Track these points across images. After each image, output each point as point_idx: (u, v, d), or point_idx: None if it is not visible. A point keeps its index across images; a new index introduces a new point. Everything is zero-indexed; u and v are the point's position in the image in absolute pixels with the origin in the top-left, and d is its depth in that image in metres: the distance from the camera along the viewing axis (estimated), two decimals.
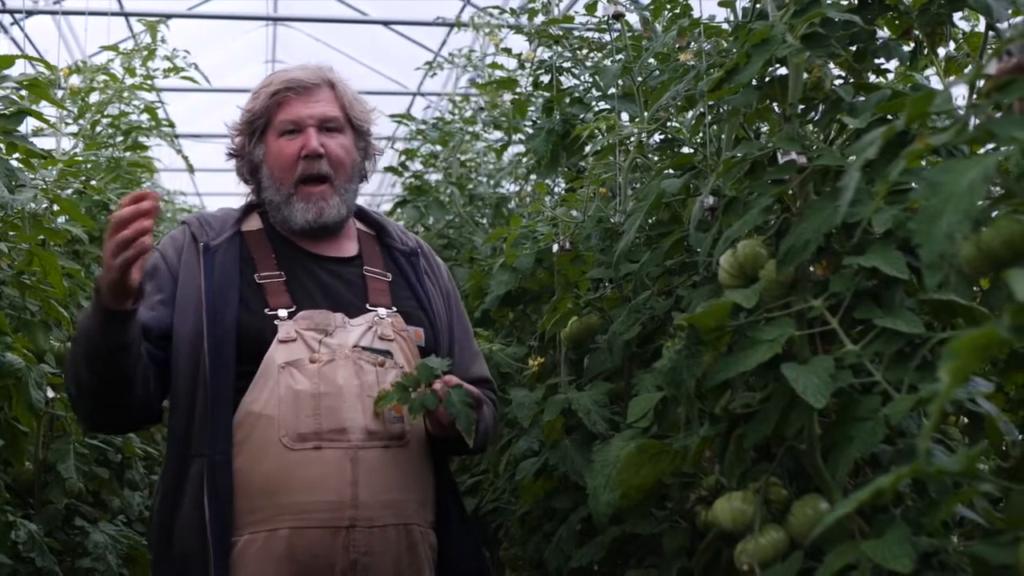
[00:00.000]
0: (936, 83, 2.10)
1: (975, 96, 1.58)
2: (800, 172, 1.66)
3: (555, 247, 2.72)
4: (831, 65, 1.78)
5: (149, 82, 4.61)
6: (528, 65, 3.97)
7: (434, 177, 5.58)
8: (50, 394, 2.95)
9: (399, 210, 5.40)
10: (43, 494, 3.13)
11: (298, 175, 2.29)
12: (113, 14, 6.42)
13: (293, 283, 2.26)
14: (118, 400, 2.14)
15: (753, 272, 1.67)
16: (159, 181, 7.45)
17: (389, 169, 5.94)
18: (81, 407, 2.23)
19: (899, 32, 1.96)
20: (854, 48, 1.84)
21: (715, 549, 1.79)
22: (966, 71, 2.11)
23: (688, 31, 2.45)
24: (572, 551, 2.37)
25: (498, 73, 4.64)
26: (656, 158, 2.57)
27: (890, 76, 2.05)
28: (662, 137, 2.61)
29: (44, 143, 4.28)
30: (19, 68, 2.98)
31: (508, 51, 4.46)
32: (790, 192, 1.69)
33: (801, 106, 1.77)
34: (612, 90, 2.81)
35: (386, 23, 9.65)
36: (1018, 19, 1.66)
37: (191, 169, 5.42)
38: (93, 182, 3.79)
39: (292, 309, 2.21)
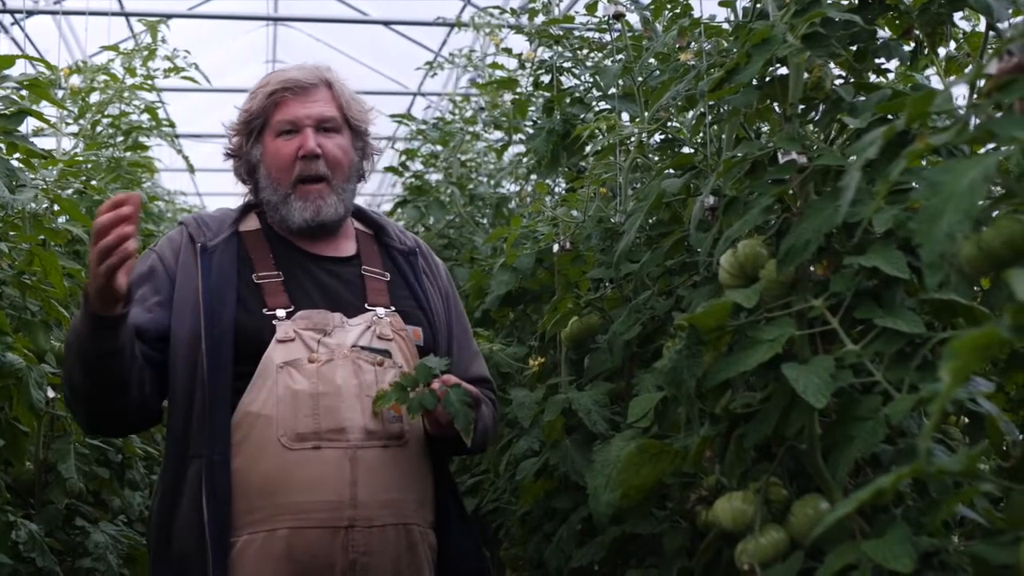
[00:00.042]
0: (936, 83, 2.10)
1: (975, 96, 1.58)
2: (800, 172, 1.66)
3: (555, 247, 2.72)
4: (831, 65, 1.78)
5: (149, 82, 4.61)
6: (528, 65, 3.97)
7: (434, 177, 5.58)
8: (50, 394, 2.95)
9: (399, 210, 5.40)
10: (44, 494, 3.13)
11: (295, 175, 2.29)
12: (113, 14, 6.42)
13: (291, 283, 2.26)
14: (113, 403, 2.14)
15: (753, 272, 1.67)
16: (159, 181, 7.45)
17: (389, 169, 5.95)
18: (77, 410, 2.23)
19: (899, 32, 1.96)
20: (854, 48, 1.84)
21: (715, 549, 1.79)
22: (966, 71, 2.11)
23: (688, 31, 2.45)
24: (572, 551, 2.37)
25: (498, 73, 4.64)
26: (656, 158, 2.57)
27: (890, 76, 2.05)
28: (662, 137, 2.61)
29: (44, 143, 4.29)
30: (19, 68, 2.98)
31: (508, 51, 4.46)
32: (790, 192, 1.68)
33: (801, 106, 1.77)
34: (612, 90, 2.81)
35: (386, 23, 9.65)
36: (1018, 19, 1.66)
37: (191, 169, 5.42)
38: (93, 182, 3.79)
39: (290, 309, 2.21)
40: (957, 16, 2.12)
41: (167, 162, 6.24)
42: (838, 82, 1.80)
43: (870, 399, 1.46)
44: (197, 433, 2.13)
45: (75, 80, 4.42)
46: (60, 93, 4.22)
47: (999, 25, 1.71)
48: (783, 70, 1.76)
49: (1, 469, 3.05)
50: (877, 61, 1.90)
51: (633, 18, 2.87)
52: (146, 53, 4.59)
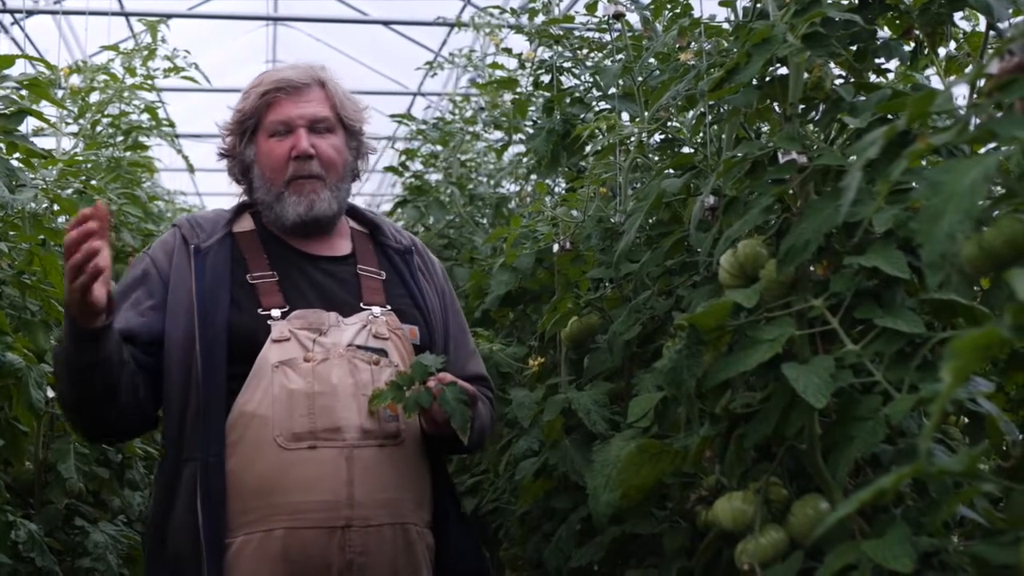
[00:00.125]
0: (936, 83, 2.10)
1: (976, 96, 1.58)
2: (800, 172, 1.66)
3: (555, 247, 2.72)
4: (831, 65, 1.78)
5: (149, 82, 4.62)
6: (528, 65, 3.97)
7: (434, 177, 5.57)
8: (50, 394, 2.94)
9: (399, 210, 5.40)
10: (43, 494, 3.13)
11: (289, 175, 2.28)
12: (113, 14, 6.42)
13: (286, 283, 2.26)
14: (103, 411, 2.14)
15: (753, 272, 1.67)
16: (159, 181, 7.45)
17: (389, 169, 5.94)
18: (70, 418, 2.24)
19: (900, 32, 1.96)
20: (855, 48, 1.84)
21: (715, 549, 1.79)
22: (966, 71, 2.11)
23: (688, 31, 2.45)
24: (572, 551, 2.37)
25: (498, 73, 4.64)
26: (656, 158, 2.57)
27: (890, 76, 2.05)
28: (662, 137, 2.61)
29: (44, 143, 4.28)
30: (19, 68, 2.98)
31: (508, 51, 4.45)
32: (790, 192, 1.68)
33: (801, 106, 1.77)
34: (612, 90, 2.81)
35: (386, 23, 9.65)
36: (1018, 19, 1.66)
37: (191, 169, 5.42)
38: (93, 182, 3.78)
39: (285, 309, 2.20)
40: (957, 16, 2.12)
41: (167, 162, 6.24)
42: (838, 82, 1.80)
43: (870, 399, 1.45)
44: (192, 435, 2.12)
45: (75, 80, 4.43)
46: (60, 93, 4.22)
47: (999, 25, 1.71)
48: (783, 70, 1.76)
49: (1, 469, 3.05)
50: (877, 61, 1.89)
51: (633, 18, 2.87)
52: (146, 53, 4.59)
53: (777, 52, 1.66)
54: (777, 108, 1.83)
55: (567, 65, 3.30)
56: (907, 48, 1.90)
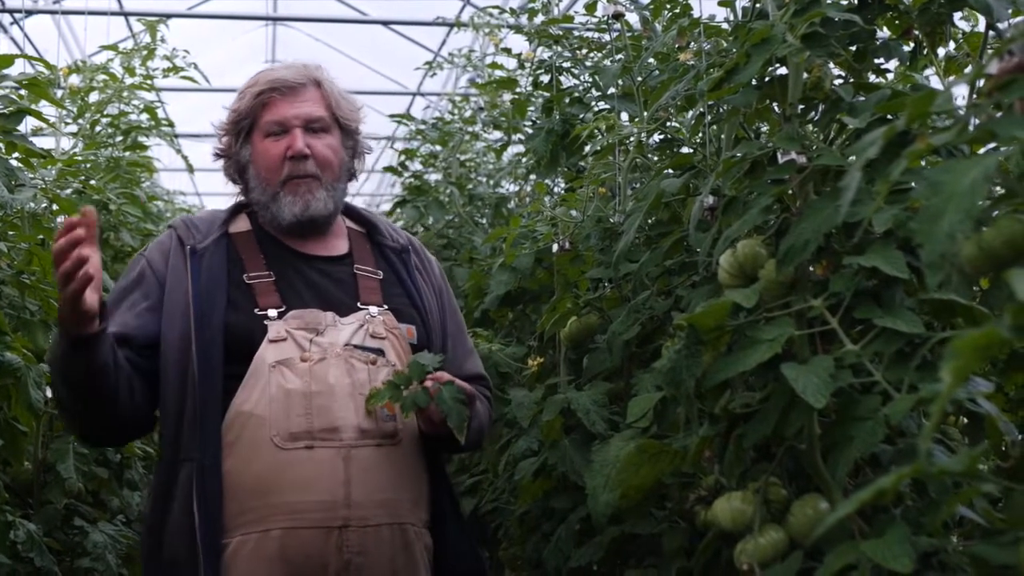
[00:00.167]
0: (936, 83, 2.10)
1: (975, 96, 1.58)
2: (800, 172, 1.66)
3: (555, 247, 2.72)
4: (831, 65, 1.78)
5: (149, 82, 4.62)
6: (528, 65, 3.97)
7: (434, 177, 5.57)
8: (49, 394, 2.94)
9: (399, 210, 5.40)
10: (42, 494, 3.13)
11: (284, 175, 2.28)
12: (113, 14, 6.42)
13: (282, 283, 2.25)
14: (101, 417, 2.14)
15: (753, 272, 1.67)
16: (158, 181, 7.45)
17: (389, 169, 5.94)
18: (67, 422, 2.23)
19: (899, 32, 1.96)
20: (854, 48, 1.84)
21: (714, 549, 1.79)
22: (966, 71, 2.11)
23: (688, 31, 2.45)
24: (571, 551, 2.37)
25: (498, 73, 4.64)
26: (656, 158, 2.57)
27: (890, 76, 2.05)
28: (662, 137, 2.61)
29: (43, 142, 4.28)
30: (19, 67, 2.98)
31: (508, 51, 4.46)
32: (790, 192, 1.68)
33: (801, 106, 1.77)
34: (612, 90, 2.81)
35: (386, 23, 9.65)
36: (1018, 19, 1.66)
37: (191, 169, 5.42)
38: (92, 182, 3.79)
39: (282, 309, 2.20)
40: (957, 16, 2.12)
41: (166, 162, 6.24)
42: (837, 82, 1.80)
43: (869, 399, 1.46)
44: (188, 436, 2.12)
45: (74, 80, 4.43)
46: (59, 93, 4.22)
47: (999, 25, 1.71)
48: (782, 70, 1.76)
49: (0, 469, 3.05)
50: (877, 61, 1.89)
51: (632, 18, 2.87)
52: (145, 53, 4.59)
53: (776, 52, 1.66)
54: (776, 108, 1.83)
55: (566, 65, 3.31)
56: (906, 48, 1.90)
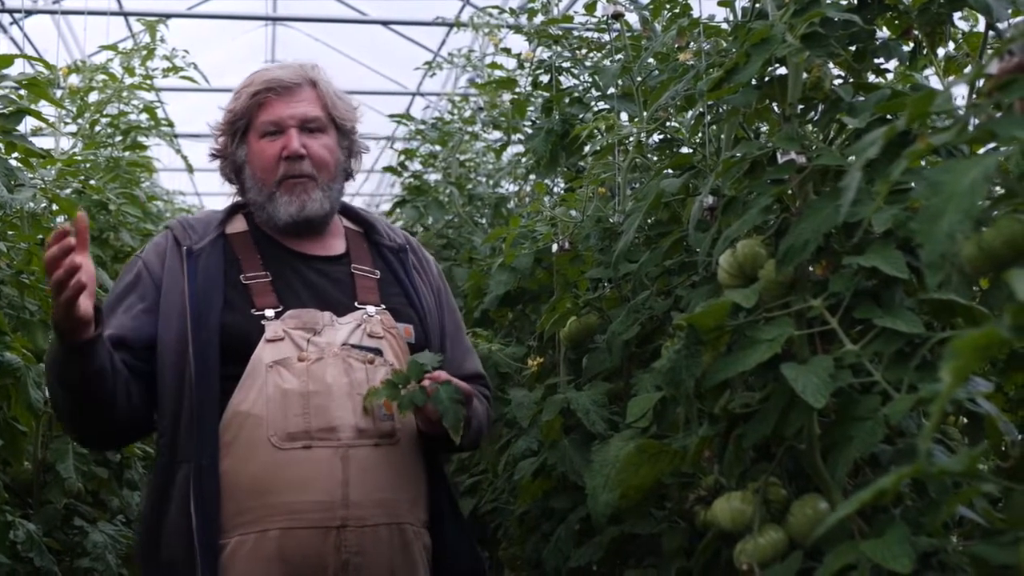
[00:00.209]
0: (935, 83, 2.10)
1: (975, 96, 1.58)
2: (799, 172, 1.66)
3: (554, 247, 2.72)
4: (831, 65, 1.78)
5: (148, 82, 4.62)
6: (527, 65, 3.97)
7: (433, 177, 5.58)
8: (48, 395, 2.95)
9: (398, 210, 5.40)
10: (42, 494, 3.13)
11: (280, 176, 2.27)
12: (112, 14, 6.42)
13: (279, 283, 2.25)
14: (98, 421, 2.14)
15: (752, 272, 1.67)
16: (158, 181, 7.45)
17: (388, 169, 5.95)
18: (65, 426, 2.23)
19: (899, 32, 1.96)
20: (854, 48, 1.84)
21: (714, 549, 1.79)
22: (966, 71, 2.11)
23: (687, 31, 2.45)
24: (570, 551, 2.37)
25: (497, 73, 4.64)
26: (655, 158, 2.57)
27: (890, 76, 2.05)
28: (661, 137, 2.61)
29: (43, 142, 4.28)
30: (18, 67, 2.98)
31: (507, 51, 4.46)
32: (789, 192, 1.68)
33: (800, 106, 1.77)
34: (611, 90, 2.81)
35: (385, 23, 9.64)
36: (1018, 19, 1.66)
37: (190, 169, 5.42)
38: (92, 181, 3.79)
39: (279, 309, 2.20)
40: (956, 16, 2.12)
41: (166, 162, 6.25)
42: (837, 82, 1.80)
43: (869, 399, 1.45)
44: (185, 438, 2.11)
45: (74, 80, 4.42)
46: (59, 92, 4.22)
47: (998, 25, 1.71)
48: (782, 70, 1.76)
49: (0, 469, 3.05)
50: (876, 61, 1.90)
51: (632, 18, 2.87)
52: (145, 53, 4.59)
53: (776, 52, 1.66)
54: (776, 108, 1.83)
55: (566, 65, 3.30)
56: (906, 48, 1.90)
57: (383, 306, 2.29)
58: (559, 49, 3.34)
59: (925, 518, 1.43)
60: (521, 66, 4.19)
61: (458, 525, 2.32)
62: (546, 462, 2.48)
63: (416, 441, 2.22)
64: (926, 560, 1.42)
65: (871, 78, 1.90)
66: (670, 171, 2.28)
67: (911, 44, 1.94)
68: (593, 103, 3.09)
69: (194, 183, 13.07)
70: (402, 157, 5.67)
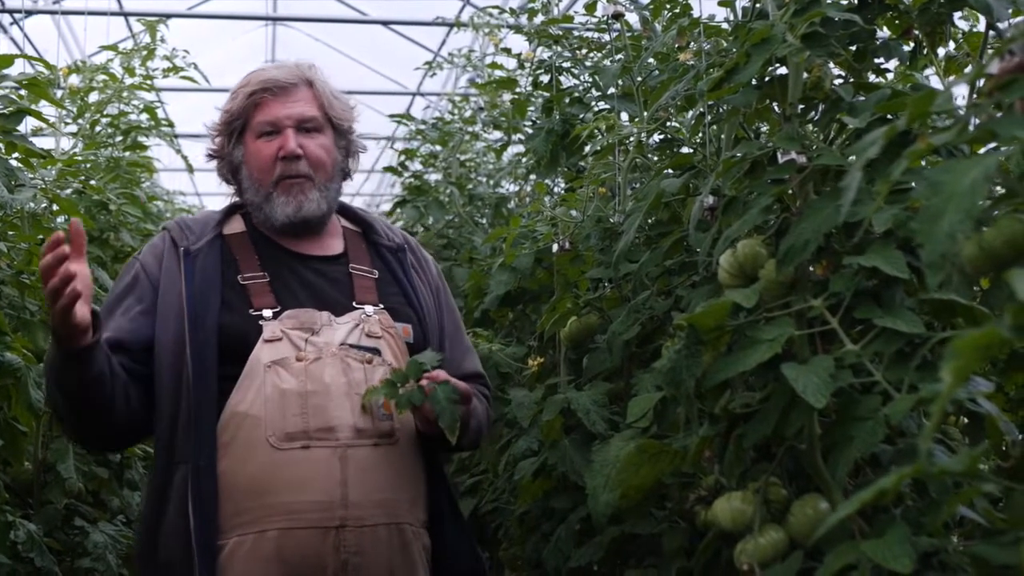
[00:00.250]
0: (936, 83, 2.10)
1: (976, 96, 1.58)
2: (800, 172, 1.66)
3: (554, 247, 2.72)
4: (831, 65, 1.78)
5: (148, 82, 4.61)
6: (528, 65, 3.97)
7: (434, 177, 5.58)
8: None
9: (399, 210, 5.40)
10: (42, 494, 3.13)
11: (277, 176, 2.27)
12: (112, 14, 6.42)
13: (277, 283, 2.24)
14: (98, 425, 2.14)
15: (753, 272, 1.67)
16: (158, 181, 7.45)
17: (389, 169, 5.95)
18: (65, 430, 2.23)
19: (899, 32, 1.96)
20: (854, 48, 1.84)
21: (714, 549, 1.79)
22: (966, 71, 2.11)
23: (688, 31, 2.45)
24: (571, 551, 2.37)
25: (498, 73, 4.64)
26: (655, 158, 2.57)
27: (890, 76, 2.05)
28: (661, 137, 2.61)
29: (43, 143, 4.28)
30: (18, 68, 2.99)
31: (508, 51, 4.46)
32: (790, 192, 1.68)
33: (801, 106, 1.77)
34: (612, 90, 2.81)
35: (386, 23, 9.64)
36: (1018, 18, 1.66)
37: (190, 169, 5.41)
38: (92, 182, 3.79)
39: (277, 309, 2.19)
40: (957, 16, 2.12)
41: (166, 162, 6.25)
42: (837, 82, 1.80)
43: (870, 399, 1.45)
44: (183, 438, 2.11)
45: (74, 80, 4.42)
46: (59, 93, 4.22)
47: (999, 25, 1.71)
48: (782, 70, 1.76)
49: (0, 469, 3.05)
50: (876, 61, 1.89)
51: (632, 18, 2.87)
52: (145, 53, 4.59)
53: (776, 52, 1.66)
54: (776, 108, 1.83)
55: (566, 65, 3.30)
56: (906, 48, 1.90)
57: (381, 306, 2.29)
58: (559, 49, 3.34)
59: (926, 518, 1.43)
60: (521, 66, 4.19)
61: (458, 525, 2.31)
62: (546, 462, 2.48)
63: (415, 441, 2.22)
64: (927, 560, 1.42)
65: (871, 78, 1.90)
66: (670, 171, 2.28)
67: (911, 44, 1.94)
68: (593, 103, 3.09)
69: (194, 183, 13.08)
70: (402, 157, 5.67)
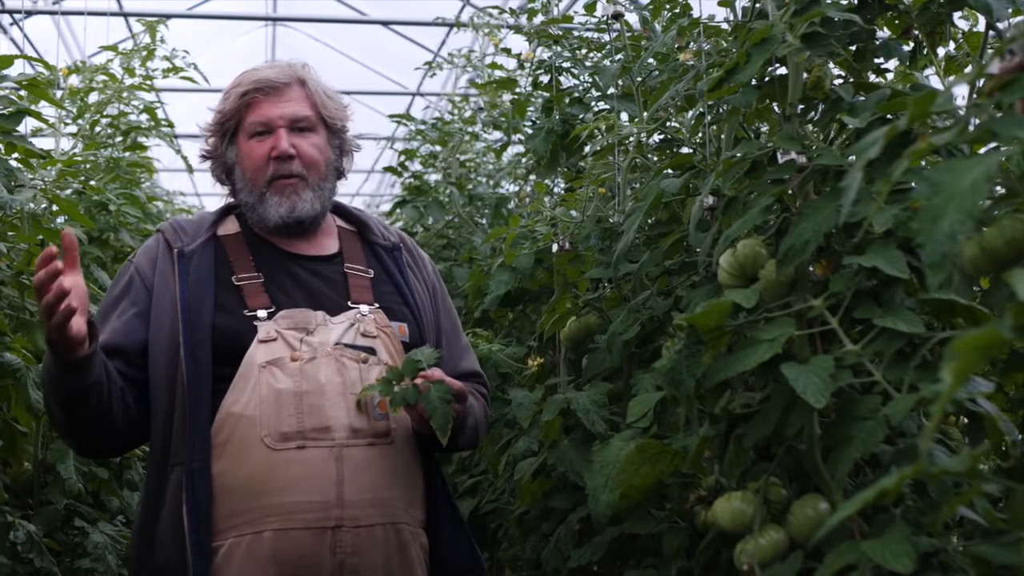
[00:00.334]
0: (936, 83, 2.10)
1: (976, 96, 1.58)
2: (800, 172, 1.66)
3: (554, 247, 2.72)
4: (831, 65, 1.78)
5: (148, 82, 4.62)
6: (527, 65, 3.96)
7: (433, 177, 5.58)
8: None
9: (398, 210, 5.40)
10: (42, 494, 3.13)
11: (269, 176, 2.27)
12: (112, 14, 6.42)
13: (271, 283, 2.24)
14: (95, 432, 2.13)
15: (753, 272, 1.67)
16: (158, 181, 7.46)
17: (388, 169, 5.94)
18: (63, 438, 2.23)
19: (899, 32, 1.96)
20: (854, 48, 1.84)
21: (714, 549, 1.79)
22: (966, 71, 2.11)
23: (687, 31, 2.45)
24: (571, 551, 2.36)
25: (497, 73, 4.64)
26: (655, 158, 2.57)
27: (890, 76, 2.05)
28: (661, 137, 2.61)
29: (43, 143, 4.29)
30: (18, 68, 2.98)
31: (507, 51, 4.46)
32: (790, 192, 1.68)
33: (801, 106, 1.77)
34: (611, 90, 2.81)
35: (385, 23, 9.65)
36: (1018, 18, 1.66)
37: (190, 169, 5.42)
38: (92, 182, 3.79)
39: (271, 309, 2.19)
40: (956, 16, 2.12)
41: (166, 162, 6.25)
42: (837, 82, 1.80)
43: (870, 399, 1.45)
44: (178, 440, 2.10)
45: (74, 80, 4.42)
46: (59, 93, 4.23)
47: (999, 25, 1.71)
48: (782, 70, 1.76)
49: (0, 469, 3.05)
50: (876, 61, 1.90)
51: (632, 18, 2.87)
52: (145, 53, 4.59)
53: (776, 52, 1.66)
54: (776, 108, 1.83)
55: (566, 65, 3.30)
56: (906, 48, 1.90)
57: (377, 305, 2.28)
58: (559, 49, 3.34)
59: (926, 518, 1.43)
60: (521, 66, 4.19)
61: (456, 525, 2.30)
62: (546, 462, 2.48)
63: (412, 441, 2.21)
64: (927, 560, 1.42)
65: (871, 78, 1.90)
66: (670, 171, 2.28)
67: (911, 44, 1.94)
68: (593, 103, 3.09)
69: (194, 183, 13.08)
70: (402, 157, 5.67)
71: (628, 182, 2.61)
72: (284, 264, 2.29)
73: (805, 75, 1.75)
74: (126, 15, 7.75)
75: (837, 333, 1.52)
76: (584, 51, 3.35)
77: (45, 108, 3.42)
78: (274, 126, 2.27)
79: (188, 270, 2.21)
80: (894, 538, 1.32)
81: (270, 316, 2.18)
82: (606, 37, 3.17)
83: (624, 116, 2.83)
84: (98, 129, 4.50)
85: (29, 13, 7.26)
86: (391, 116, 5.92)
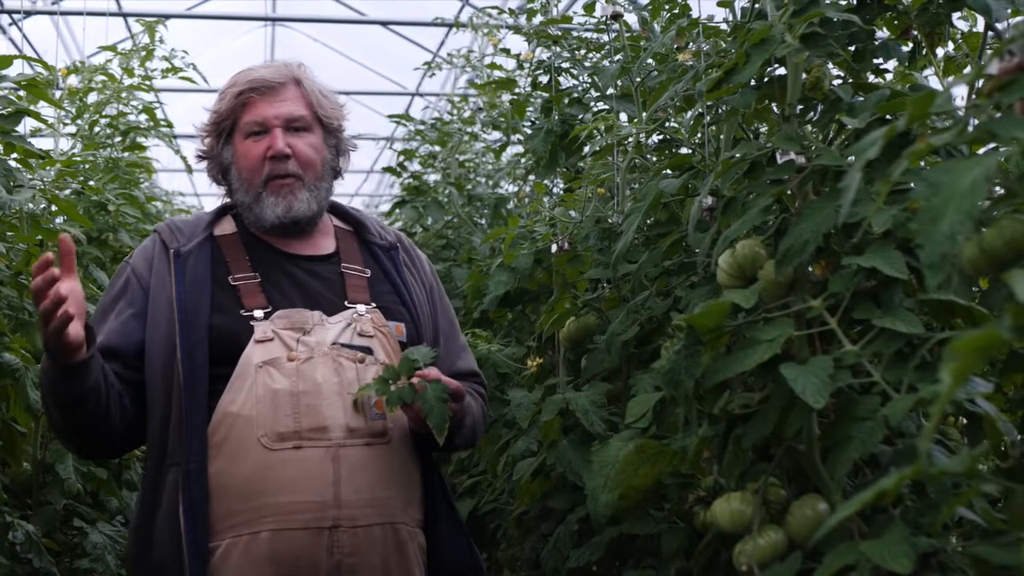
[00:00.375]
0: (935, 83, 2.10)
1: (975, 96, 1.58)
2: (799, 172, 1.66)
3: (553, 247, 2.72)
4: (830, 65, 1.78)
5: (147, 82, 4.61)
6: (526, 65, 3.96)
7: (433, 178, 5.57)
8: None
9: (397, 210, 5.40)
10: (41, 495, 3.13)
11: (265, 176, 2.26)
12: (111, 14, 6.42)
13: (268, 283, 2.24)
14: (94, 435, 2.13)
15: (752, 272, 1.67)
16: (157, 181, 7.45)
17: (388, 170, 5.94)
18: (62, 441, 2.22)
19: (898, 32, 1.96)
20: (853, 48, 1.84)
21: (713, 550, 1.79)
22: (965, 71, 2.11)
23: (686, 31, 2.45)
24: (570, 551, 2.36)
25: (496, 73, 4.64)
26: (654, 158, 2.57)
27: (889, 76, 2.05)
28: (660, 137, 2.61)
29: (42, 143, 4.28)
30: (17, 68, 2.98)
31: (507, 51, 4.46)
32: (789, 192, 1.68)
33: (800, 106, 1.77)
34: (610, 90, 2.81)
35: (385, 23, 9.64)
36: (1017, 19, 1.66)
37: (189, 169, 5.40)
38: (91, 182, 3.79)
39: (268, 309, 2.19)
40: (955, 16, 2.12)
41: (165, 162, 6.24)
42: (836, 82, 1.80)
43: (869, 399, 1.45)
44: (174, 440, 2.10)
45: (73, 80, 4.42)
46: (58, 93, 4.22)
47: (998, 25, 1.71)
48: (781, 70, 1.76)
49: None
50: (875, 61, 1.90)
51: (631, 18, 2.87)
52: (144, 53, 4.59)
53: (775, 52, 1.66)
54: (775, 108, 1.83)
55: (565, 66, 3.30)
56: (905, 48, 1.90)
57: (374, 305, 2.28)
58: (558, 49, 3.34)
59: (925, 518, 1.43)
60: (520, 66, 4.18)
61: (454, 525, 2.30)
62: (545, 462, 2.48)
63: (409, 440, 2.21)
64: (926, 560, 1.42)
65: (870, 78, 1.90)
66: (669, 172, 2.28)
67: (910, 44, 1.94)
68: (592, 103, 3.09)
69: (193, 183, 13.07)
70: (401, 158, 5.67)
71: (627, 182, 2.61)
72: (281, 264, 2.29)
73: (804, 75, 1.75)
74: (125, 15, 7.75)
75: (836, 333, 1.52)
76: (583, 51, 3.35)
77: (44, 108, 3.41)
78: (270, 126, 2.27)
79: (184, 270, 2.20)
80: (893, 538, 1.32)
81: (267, 316, 2.17)
82: (605, 37, 3.16)
83: (623, 116, 2.83)
84: (97, 129, 4.49)
85: (28, 13, 7.26)
86: (390, 116, 5.92)
